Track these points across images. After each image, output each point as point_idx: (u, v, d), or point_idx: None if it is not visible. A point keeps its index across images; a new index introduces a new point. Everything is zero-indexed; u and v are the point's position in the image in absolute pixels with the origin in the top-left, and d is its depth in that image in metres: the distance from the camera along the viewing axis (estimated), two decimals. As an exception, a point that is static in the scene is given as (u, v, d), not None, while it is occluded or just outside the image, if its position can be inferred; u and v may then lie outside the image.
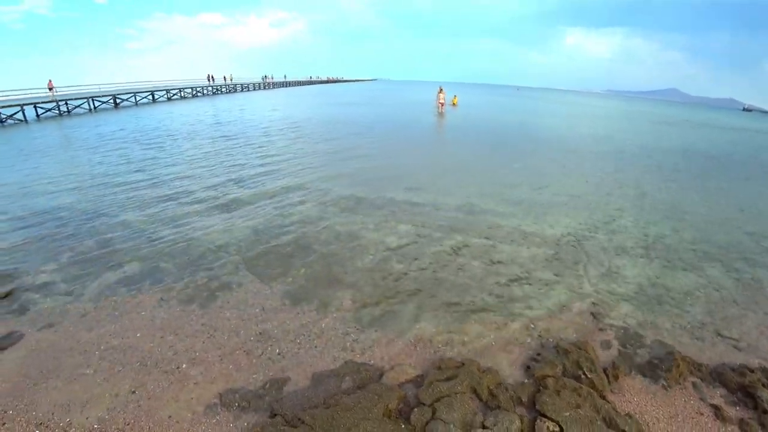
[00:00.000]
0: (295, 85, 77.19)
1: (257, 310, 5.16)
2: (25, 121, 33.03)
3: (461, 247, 6.96)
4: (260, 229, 7.63)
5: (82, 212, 8.50)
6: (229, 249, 6.82)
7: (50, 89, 35.31)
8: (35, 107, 34.48)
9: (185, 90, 49.52)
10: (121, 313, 5.11)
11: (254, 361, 4.07)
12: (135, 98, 42.16)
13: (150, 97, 44.55)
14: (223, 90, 56.35)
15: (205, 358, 4.14)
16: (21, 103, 33.48)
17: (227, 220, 8.16)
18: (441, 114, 28.42)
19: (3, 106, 33.43)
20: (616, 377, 4.15)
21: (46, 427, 3.27)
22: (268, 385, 3.67)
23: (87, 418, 3.36)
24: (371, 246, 6.93)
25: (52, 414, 3.42)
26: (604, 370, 4.21)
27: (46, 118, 33.86)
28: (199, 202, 9.21)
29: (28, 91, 36.09)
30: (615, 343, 4.69)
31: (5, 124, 31.81)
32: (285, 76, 79.98)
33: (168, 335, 4.58)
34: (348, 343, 4.53)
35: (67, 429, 3.26)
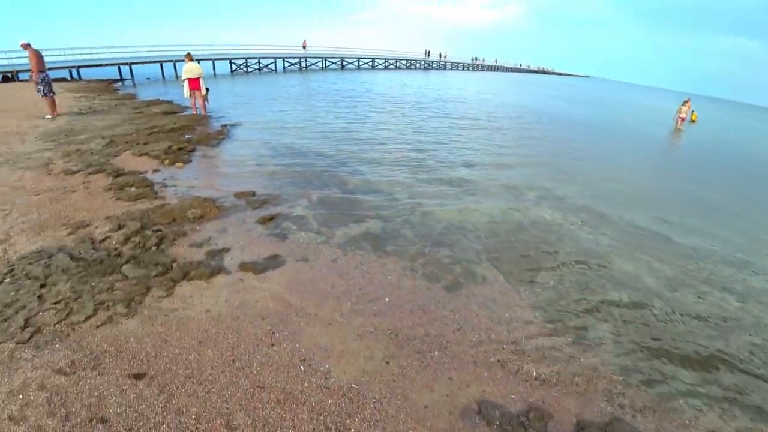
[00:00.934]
0: (502, 71, 74.25)
1: (506, 314, 4.11)
2: (275, 71, 39.39)
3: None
4: (497, 220, 6.50)
5: (327, 158, 8.73)
6: (466, 232, 5.87)
7: (304, 47, 41.04)
8: (284, 61, 40.60)
9: (400, 61, 52.14)
10: (368, 270, 4.62)
11: (510, 377, 3.30)
12: (358, 63, 46.14)
13: (370, 63, 48.24)
14: (434, 66, 57.50)
15: (456, 353, 3.53)
16: (275, 56, 39.85)
17: (459, 200, 7.26)
18: (678, 130, 22.67)
19: (263, 57, 40.54)
20: None
21: (309, 365, 3.13)
22: (531, 415, 2.96)
23: (344, 373, 3.11)
24: (627, 279, 5.11)
25: (313, 354, 3.26)
26: None
27: (291, 70, 39.71)
28: (431, 174, 8.56)
29: (281, 48, 42.56)
30: None
31: (262, 71, 38.34)
32: (496, 61, 77.60)
33: (415, 310, 4.04)
34: (616, 397, 3.22)
35: (327, 376, 3.06)
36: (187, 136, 9.89)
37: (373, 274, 4.67)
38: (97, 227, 5.08)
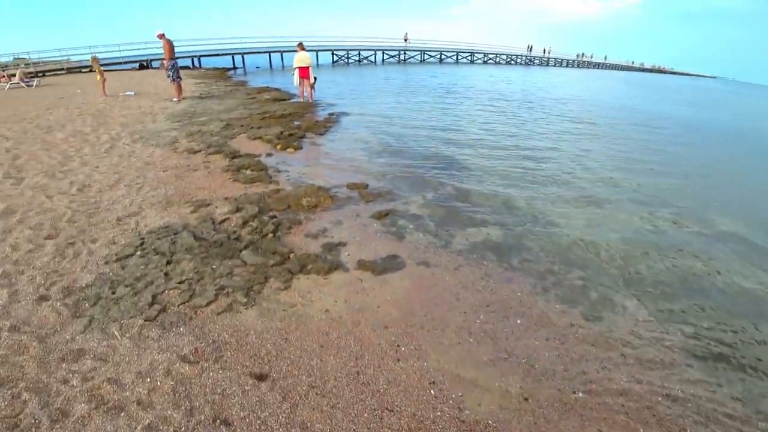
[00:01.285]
0: (612, 69, 67.76)
1: (655, 356, 3.24)
2: (374, 62, 39.80)
3: None
4: (630, 239, 5.44)
5: (437, 156, 8.14)
6: (598, 251, 4.94)
7: (405, 40, 41.04)
8: (383, 53, 40.84)
9: (500, 56, 49.84)
10: (494, 284, 4.02)
11: (670, 439, 2.39)
12: (456, 57, 44.93)
13: (469, 57, 46.74)
14: (535, 62, 54.21)
15: (603, 397, 2.85)
16: (375, 48, 40.25)
17: (585, 213, 6.25)
18: None
19: (363, 49, 41.18)
20: None
21: (440, 390, 2.71)
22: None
23: (479, 405, 2.66)
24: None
25: (443, 377, 2.83)
26: None
27: (389, 62, 39.86)
28: (550, 182, 7.60)
29: (380, 40, 42.86)
30: None
31: (362, 63, 38.95)
32: (605, 58, 71.08)
33: (551, 338, 3.40)
34: None
35: (460, 407, 2.62)
36: (296, 123, 9.96)
37: (501, 290, 4.06)
38: (217, 207, 5.07)
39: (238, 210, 4.98)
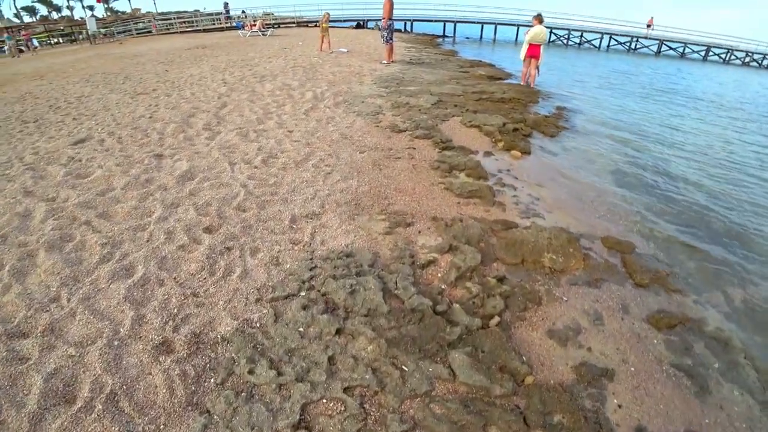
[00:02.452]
0: None
1: None
2: (598, 48, 33.79)
3: None
4: None
5: (727, 208, 5.08)
6: None
7: (649, 26, 33.65)
8: (610, 38, 34.40)
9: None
10: None
11: None
12: (706, 53, 34.95)
13: (725, 55, 35.94)
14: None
15: None
16: (602, 31, 34.06)
17: None
18: None
19: (587, 31, 35.32)
20: None
21: None
22: None
23: None
24: None
25: None
26: None
27: (615, 50, 33.31)
28: None
29: (610, 23, 36.00)
30: None
31: (582, 46, 33.49)
32: None
33: None
34: None
35: None
36: (519, 114, 7.67)
37: None
38: (420, 233, 3.32)
39: (450, 249, 3.14)
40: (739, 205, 5.06)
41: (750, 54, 34.17)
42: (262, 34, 20.88)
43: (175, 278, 2.66)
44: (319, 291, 2.66)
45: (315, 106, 6.81)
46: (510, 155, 5.65)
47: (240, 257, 2.87)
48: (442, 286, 2.84)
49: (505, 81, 11.51)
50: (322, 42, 14.15)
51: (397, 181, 4.31)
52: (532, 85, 10.84)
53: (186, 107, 6.48)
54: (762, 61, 34.09)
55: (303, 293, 2.63)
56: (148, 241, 3.02)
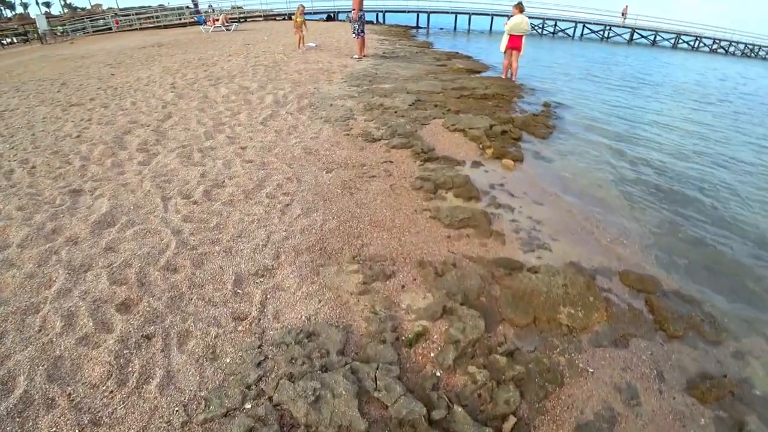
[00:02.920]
0: None
1: None
2: (571, 37, 33.55)
3: None
4: None
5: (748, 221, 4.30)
6: None
7: (623, 15, 33.39)
8: (584, 27, 34.21)
9: (751, 46, 37.71)
10: None
11: None
12: (675, 41, 35.15)
13: (693, 42, 36.26)
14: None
15: None
16: (576, 20, 33.83)
17: None
18: None
19: (560, 20, 35.04)
20: None
21: None
22: None
23: None
24: None
25: None
26: None
27: (588, 38, 33.11)
28: None
29: (583, 11, 35.76)
30: None
31: (556, 35, 33.16)
32: None
33: None
34: None
35: None
36: (506, 114, 6.99)
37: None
38: (404, 287, 2.59)
39: (444, 314, 2.42)
40: (729, 196, 4.51)
41: (717, 41, 34.60)
42: (226, 29, 19.63)
43: (69, 395, 1.84)
44: (270, 400, 1.88)
45: (275, 112, 5.96)
46: (501, 165, 4.95)
47: (163, 351, 2.06)
48: (437, 374, 2.11)
49: (485, 74, 10.82)
50: (300, 39, 13.03)
51: (372, 209, 3.54)
52: (513, 79, 10.21)
53: (122, 122, 5.54)
54: (728, 48, 34.61)
55: (248, 405, 1.85)
56: (39, 331, 2.18)
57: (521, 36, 9.70)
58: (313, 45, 13.56)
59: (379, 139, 5.22)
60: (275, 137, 4.97)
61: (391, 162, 4.61)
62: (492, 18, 29.58)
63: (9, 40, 27.81)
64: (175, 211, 3.27)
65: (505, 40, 9.96)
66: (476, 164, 4.87)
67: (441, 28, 28.27)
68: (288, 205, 3.44)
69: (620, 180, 4.99)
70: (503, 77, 10.36)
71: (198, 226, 3.07)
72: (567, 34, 33.37)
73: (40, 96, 7.40)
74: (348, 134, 5.36)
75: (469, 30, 28.47)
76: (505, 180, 4.56)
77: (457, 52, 14.68)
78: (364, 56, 11.85)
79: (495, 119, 6.33)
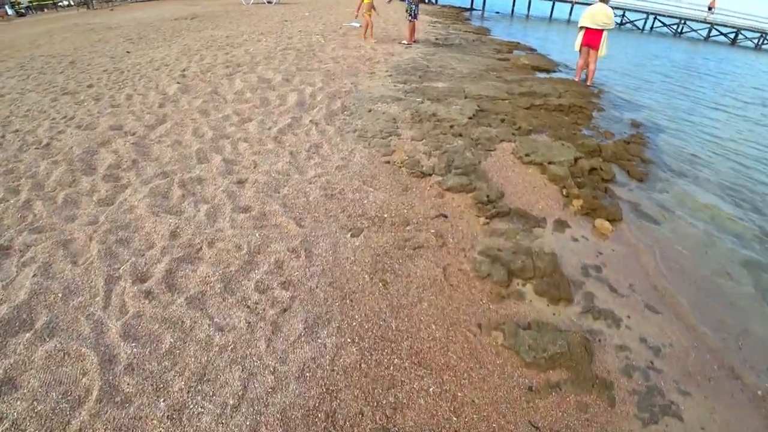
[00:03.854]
0: None
1: None
2: (640, 29, 30.39)
3: None
4: None
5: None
6: None
7: (709, 8, 29.72)
8: (655, 19, 31.02)
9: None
10: None
11: None
12: (760, 40, 31.00)
13: None
14: None
15: None
16: (647, 11, 30.77)
17: None
18: None
19: (630, 10, 31.71)
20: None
21: None
22: None
23: None
24: None
25: None
26: None
27: (658, 32, 29.87)
28: None
29: (656, 3, 32.22)
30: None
31: (623, 26, 30.08)
32: None
33: None
34: None
35: None
36: (589, 135, 5.46)
37: None
38: None
39: None
40: None
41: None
42: (268, 2, 18.35)
43: None
44: None
45: (296, 120, 4.70)
46: (594, 229, 3.52)
47: None
48: None
49: (555, 74, 9.12)
50: (368, 27, 10.07)
51: (414, 324, 2.24)
52: (588, 83, 8.50)
53: (105, 125, 4.41)
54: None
55: None
56: None
57: (601, 30, 7.96)
58: (357, 25, 12.08)
59: (430, 174, 3.88)
60: (288, 164, 3.70)
61: (446, 217, 3.27)
62: (553, 4, 26.92)
63: (67, 2, 27.55)
64: (119, 310, 2.08)
65: (580, 36, 8.25)
66: (561, 225, 3.46)
67: (497, 12, 25.99)
68: (285, 310, 2.18)
69: (754, 265, 3.45)
70: (576, 80, 8.67)
71: (141, 353, 1.87)
72: (636, 26, 30.18)
73: (40, 77, 6.44)
74: (387, 161, 4.03)
75: (528, 16, 26.04)
76: (603, 258, 3.14)
77: (519, 43, 12.86)
78: (414, 41, 10.37)
79: (579, 147, 4.83)
